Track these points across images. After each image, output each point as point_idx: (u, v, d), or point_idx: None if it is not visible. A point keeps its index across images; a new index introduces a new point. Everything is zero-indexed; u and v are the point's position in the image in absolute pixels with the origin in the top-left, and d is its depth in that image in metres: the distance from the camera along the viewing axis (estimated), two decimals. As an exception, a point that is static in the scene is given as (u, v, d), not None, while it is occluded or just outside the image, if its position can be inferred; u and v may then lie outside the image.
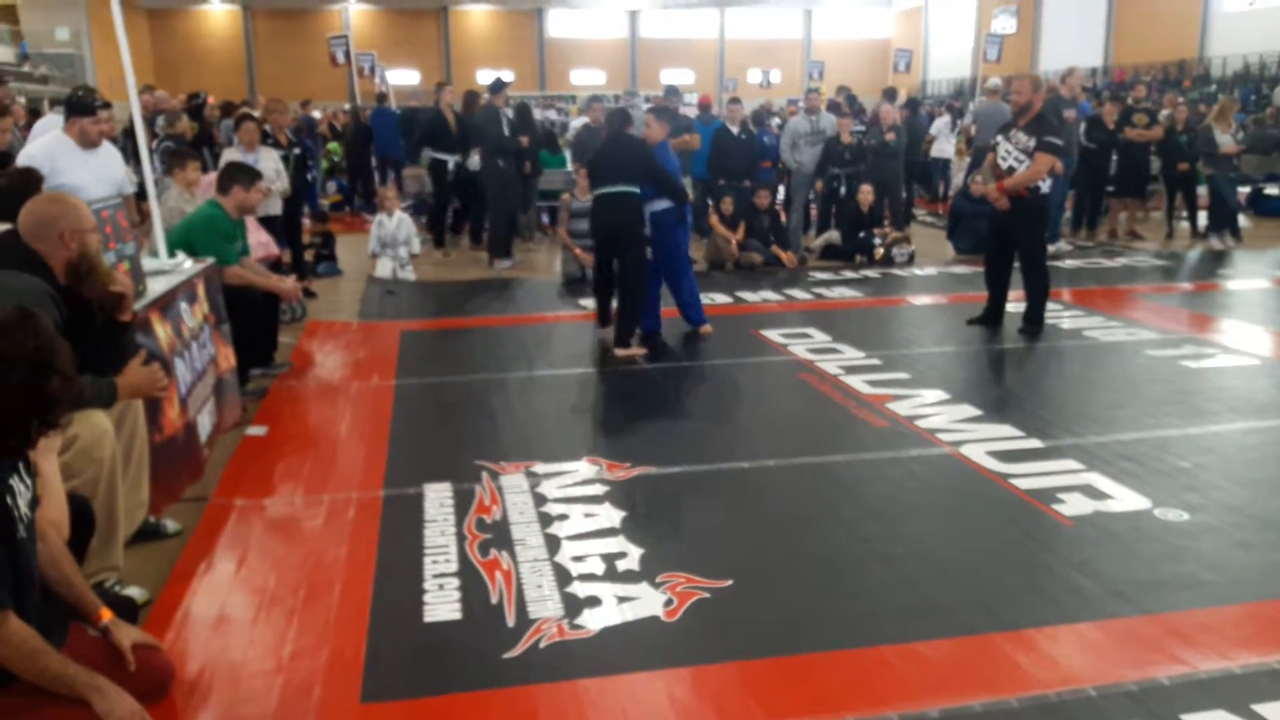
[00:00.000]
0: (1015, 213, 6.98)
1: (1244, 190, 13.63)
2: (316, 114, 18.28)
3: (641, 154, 6.83)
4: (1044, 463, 4.55)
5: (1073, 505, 4.06)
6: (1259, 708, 2.66)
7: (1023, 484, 4.30)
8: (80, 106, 5.84)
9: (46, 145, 5.78)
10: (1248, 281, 9.45)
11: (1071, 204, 12.36)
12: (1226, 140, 11.15)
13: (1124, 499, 4.12)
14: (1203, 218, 12.10)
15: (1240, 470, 4.48)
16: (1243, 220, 12.37)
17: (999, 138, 7.14)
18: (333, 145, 17.11)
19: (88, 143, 5.80)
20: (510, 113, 10.38)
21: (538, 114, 14.48)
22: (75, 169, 5.70)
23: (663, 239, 7.09)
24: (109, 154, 6.08)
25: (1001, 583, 3.45)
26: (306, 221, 10.21)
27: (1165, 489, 4.22)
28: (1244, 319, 7.71)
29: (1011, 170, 6.92)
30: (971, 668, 2.91)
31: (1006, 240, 7.20)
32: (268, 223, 7.73)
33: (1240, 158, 11.41)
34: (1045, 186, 7.03)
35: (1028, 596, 3.34)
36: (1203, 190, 12.00)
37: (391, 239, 9.64)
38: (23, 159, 5.69)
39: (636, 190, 6.73)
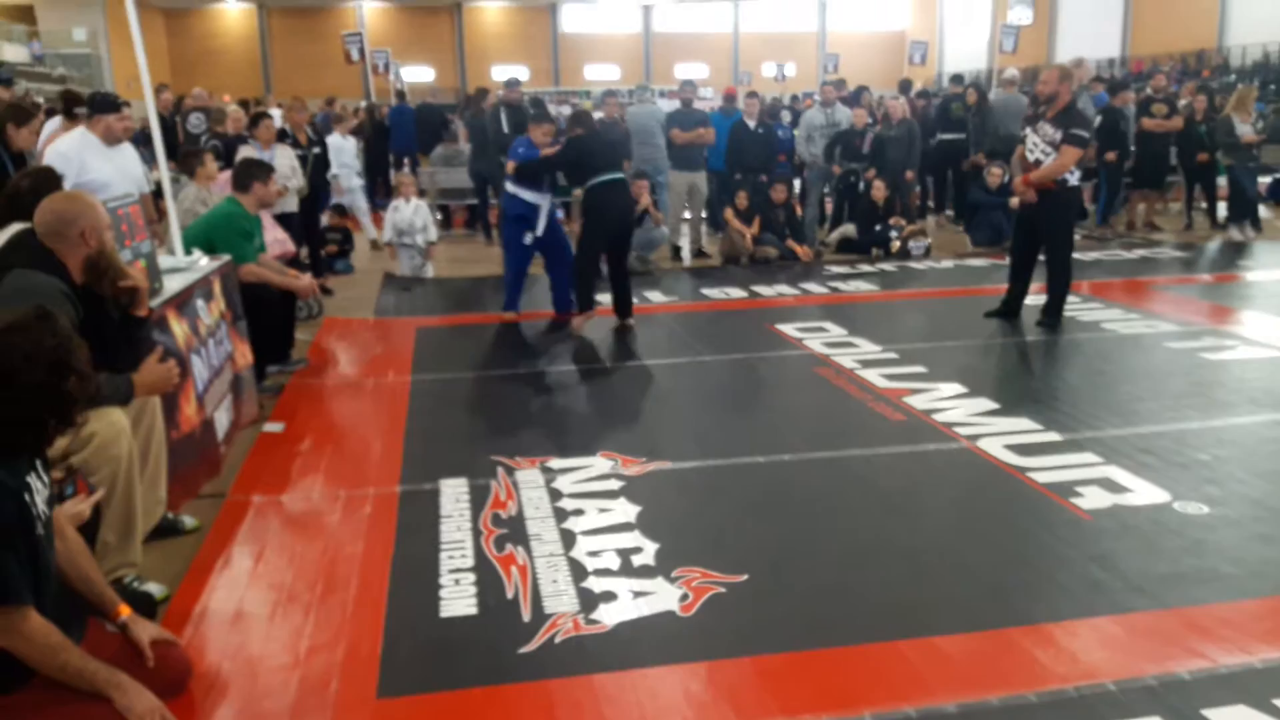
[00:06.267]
0: (1042, 205, 6.93)
1: (1264, 181, 13.51)
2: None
3: (622, 144, 7.79)
4: (1062, 456, 4.52)
5: (1091, 499, 4.03)
6: (1281, 702, 2.64)
7: (1041, 478, 4.27)
8: (106, 104, 5.96)
9: (74, 142, 5.87)
10: (1268, 273, 9.36)
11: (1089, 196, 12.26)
12: (1246, 130, 11.02)
13: (1143, 492, 4.09)
14: (1222, 209, 11.99)
15: (1261, 463, 4.44)
16: (1263, 211, 12.25)
17: (1026, 129, 7.09)
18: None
19: (112, 139, 5.91)
20: (515, 110, 10.42)
21: (552, 109, 14.49)
22: (101, 166, 5.79)
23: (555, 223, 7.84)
24: (128, 152, 6.16)
25: (1020, 577, 3.43)
26: (324, 218, 10.23)
27: (1185, 482, 4.19)
28: (1264, 310, 7.64)
29: (1039, 163, 6.87)
30: (990, 663, 2.89)
31: (1032, 232, 7.16)
32: (284, 220, 7.76)
33: (1260, 147, 11.27)
34: (1074, 179, 6.98)
35: (1046, 591, 3.32)
36: (1222, 181, 11.88)
37: (408, 226, 9.60)
38: (52, 155, 5.77)
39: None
